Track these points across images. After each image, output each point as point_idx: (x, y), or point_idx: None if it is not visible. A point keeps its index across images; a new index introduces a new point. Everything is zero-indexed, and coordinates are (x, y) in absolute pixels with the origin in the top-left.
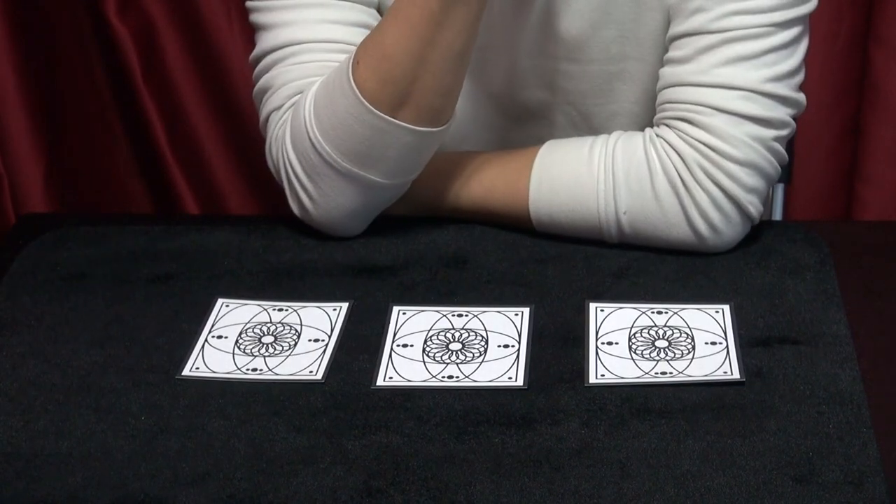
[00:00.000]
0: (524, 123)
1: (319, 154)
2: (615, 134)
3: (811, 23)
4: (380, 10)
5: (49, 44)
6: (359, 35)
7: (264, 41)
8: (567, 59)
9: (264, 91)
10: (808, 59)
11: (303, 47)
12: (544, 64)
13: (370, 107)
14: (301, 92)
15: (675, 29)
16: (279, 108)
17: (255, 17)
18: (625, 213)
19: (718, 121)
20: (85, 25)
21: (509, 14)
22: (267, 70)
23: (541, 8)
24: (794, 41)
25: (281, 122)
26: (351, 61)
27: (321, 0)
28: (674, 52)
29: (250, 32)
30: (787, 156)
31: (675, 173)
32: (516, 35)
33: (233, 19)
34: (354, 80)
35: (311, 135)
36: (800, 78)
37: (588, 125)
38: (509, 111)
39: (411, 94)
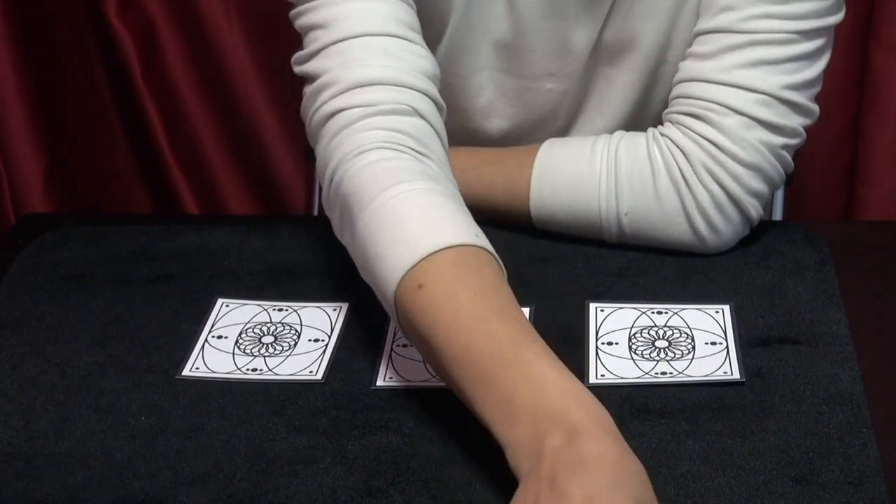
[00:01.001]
0: (548, 134)
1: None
2: (618, 133)
3: None
4: None
5: (49, 44)
6: (403, 27)
7: (320, 38)
8: (609, 65)
9: (324, 87)
10: None
11: (362, 41)
12: (590, 70)
13: (395, 312)
14: (363, 111)
15: (702, 24)
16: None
17: (303, 20)
18: (626, 215)
19: (731, 121)
20: (85, 25)
21: (575, 31)
22: (325, 70)
23: (601, 22)
24: (817, 52)
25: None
26: (410, 274)
27: None
28: (697, 47)
29: (250, 32)
30: (792, 164)
31: (678, 171)
32: (578, 52)
33: (233, 19)
34: (403, 285)
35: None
36: (816, 89)
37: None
38: (543, 126)
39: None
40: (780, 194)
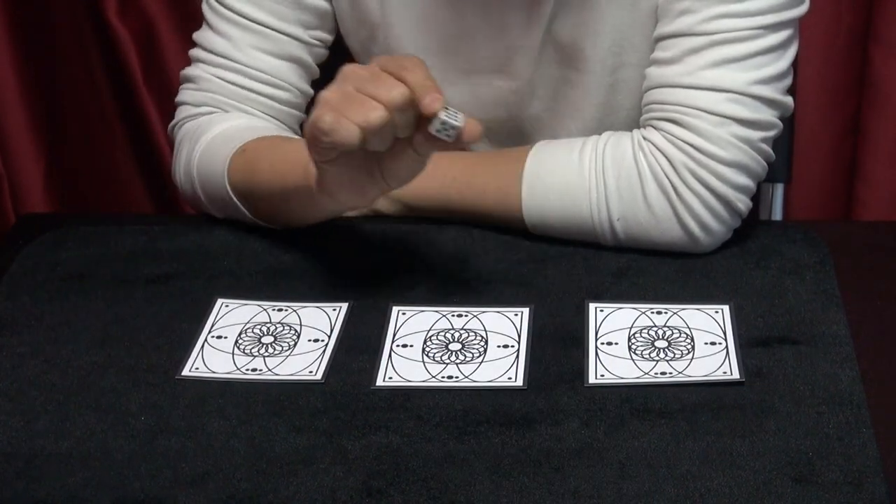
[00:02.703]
0: (525, 140)
1: (195, 191)
2: (605, 135)
3: (811, 23)
4: (336, 17)
5: (49, 44)
6: (287, 69)
7: (207, 38)
8: (567, 67)
9: (193, 80)
10: (807, 59)
11: (233, 66)
12: (549, 73)
13: (229, 188)
14: (213, 108)
15: (662, 29)
16: (190, 116)
17: (206, 11)
18: (618, 220)
19: (704, 122)
20: (85, 25)
21: (519, 27)
22: (200, 61)
23: (546, 18)
24: (783, 44)
25: (185, 128)
26: (242, 144)
27: (260, 29)
28: (660, 53)
29: None
30: (773, 154)
31: (665, 178)
32: (526, 52)
33: None
34: (231, 160)
35: (194, 166)
36: (788, 81)
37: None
38: (514, 127)
39: (260, 206)
40: (779, 194)
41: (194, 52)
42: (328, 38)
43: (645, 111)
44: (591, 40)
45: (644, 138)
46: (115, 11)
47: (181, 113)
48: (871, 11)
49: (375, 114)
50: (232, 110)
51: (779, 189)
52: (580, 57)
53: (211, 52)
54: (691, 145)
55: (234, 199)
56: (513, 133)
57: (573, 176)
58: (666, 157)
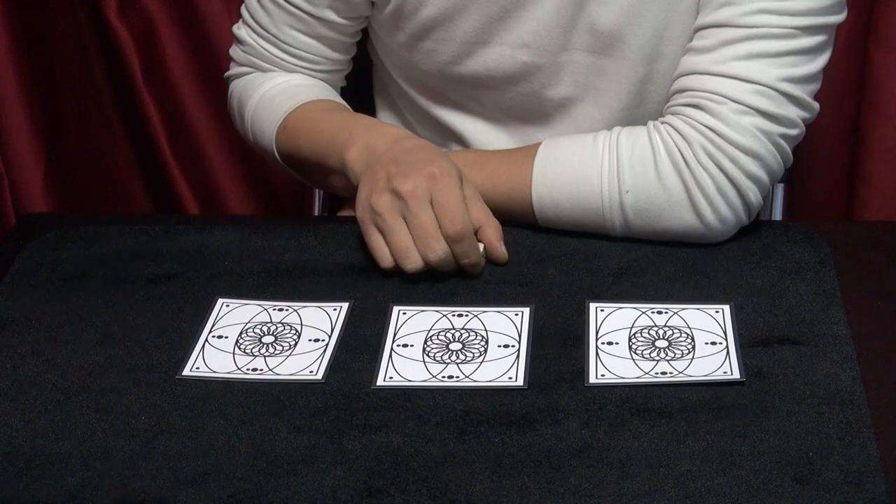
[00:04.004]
0: (547, 126)
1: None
2: (618, 127)
3: None
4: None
5: (49, 44)
6: (320, 46)
7: (252, 5)
8: (602, 55)
9: (240, 40)
10: None
11: (270, 38)
12: (579, 59)
13: (276, 153)
14: (253, 69)
15: (702, 19)
16: (236, 74)
17: None
18: (628, 192)
19: (727, 109)
20: (85, 25)
21: (550, 6)
22: (245, 23)
23: (579, 2)
24: (816, 49)
25: (233, 85)
26: (283, 120)
27: (294, 11)
28: (696, 42)
29: None
30: (791, 156)
31: (679, 154)
32: (555, 30)
33: (233, 19)
34: (277, 133)
35: (249, 131)
36: (815, 86)
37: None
38: (536, 112)
39: (301, 171)
40: (780, 194)
41: (243, 10)
42: (362, 16)
43: (672, 99)
44: (631, 28)
45: (662, 122)
46: (115, 11)
47: (231, 68)
48: (871, 11)
49: (413, 266)
50: (269, 71)
51: (779, 189)
52: (617, 44)
53: (253, 18)
54: (710, 128)
55: (290, 170)
56: (533, 115)
57: (586, 152)
58: (682, 136)
